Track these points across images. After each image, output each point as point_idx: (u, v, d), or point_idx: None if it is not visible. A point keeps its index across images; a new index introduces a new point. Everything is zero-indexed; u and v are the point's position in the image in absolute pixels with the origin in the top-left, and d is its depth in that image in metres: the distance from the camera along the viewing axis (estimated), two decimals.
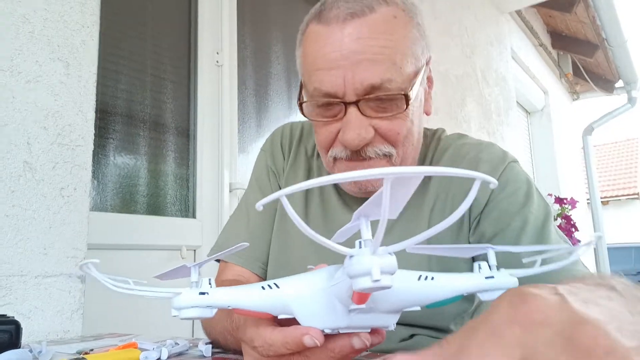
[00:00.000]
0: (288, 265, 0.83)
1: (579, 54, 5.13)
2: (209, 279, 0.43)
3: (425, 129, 0.87)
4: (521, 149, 4.30)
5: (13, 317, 0.71)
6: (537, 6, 4.21)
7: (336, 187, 0.85)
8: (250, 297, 0.43)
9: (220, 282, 0.82)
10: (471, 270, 0.56)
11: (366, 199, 0.72)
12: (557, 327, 0.28)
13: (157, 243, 1.53)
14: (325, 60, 0.69)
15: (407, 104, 0.69)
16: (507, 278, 0.45)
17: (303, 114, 0.74)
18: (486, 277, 0.45)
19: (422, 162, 0.82)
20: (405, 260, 0.73)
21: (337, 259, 0.78)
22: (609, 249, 5.08)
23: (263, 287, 0.43)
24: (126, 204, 1.50)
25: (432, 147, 0.84)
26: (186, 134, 1.72)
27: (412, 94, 0.70)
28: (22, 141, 1.00)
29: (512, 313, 0.30)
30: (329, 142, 0.73)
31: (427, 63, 0.75)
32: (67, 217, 1.06)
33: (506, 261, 0.53)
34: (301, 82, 0.77)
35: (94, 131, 1.14)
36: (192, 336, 1.55)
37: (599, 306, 0.30)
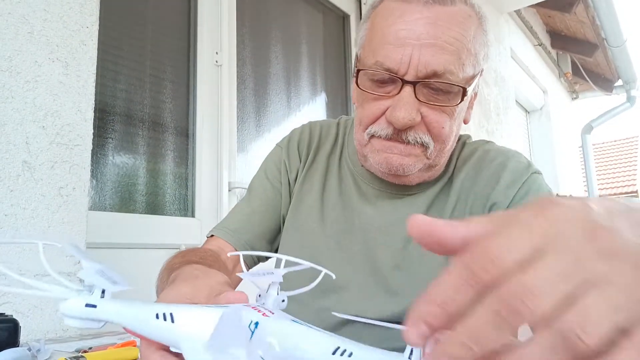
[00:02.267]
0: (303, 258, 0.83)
1: (578, 54, 5.13)
2: (103, 290, 0.39)
3: None
4: (520, 148, 4.31)
5: (11, 315, 0.71)
6: (537, 6, 4.21)
7: (354, 178, 0.85)
8: (142, 322, 0.39)
9: (200, 249, 0.83)
10: None
11: (387, 183, 0.69)
12: (580, 223, 0.27)
13: (156, 242, 1.54)
14: (396, 36, 0.69)
15: (462, 99, 0.70)
16: None
17: (357, 83, 0.74)
18: None
19: (448, 167, 0.83)
20: (425, 262, 0.74)
21: (349, 260, 0.78)
22: None
23: (157, 316, 0.38)
24: (125, 203, 1.51)
25: (456, 150, 0.85)
26: (185, 133, 1.73)
27: (468, 92, 0.71)
28: (21, 141, 1.01)
29: (539, 210, 0.29)
30: (374, 117, 0.73)
31: (481, 73, 0.76)
32: (65, 216, 1.06)
33: None
34: (357, 55, 0.77)
35: (92, 131, 1.14)
36: None
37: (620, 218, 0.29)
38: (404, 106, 0.69)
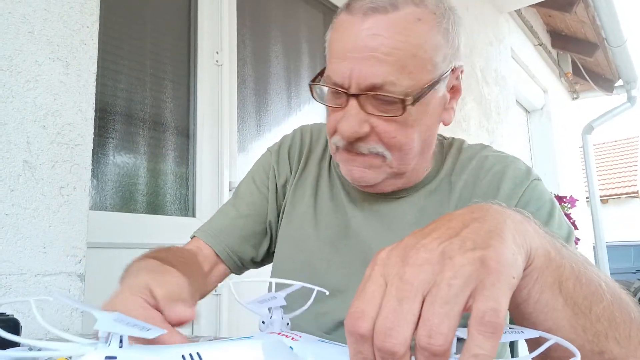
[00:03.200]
0: (297, 268, 0.84)
1: (579, 54, 5.13)
2: (121, 337, 0.36)
3: (443, 137, 0.87)
4: (521, 147, 4.31)
5: (12, 315, 0.71)
6: (537, 6, 4.21)
7: (342, 182, 0.86)
8: None
9: (177, 248, 0.86)
10: None
11: (374, 193, 0.72)
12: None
13: (156, 242, 1.53)
14: (341, 50, 0.70)
15: (403, 111, 0.68)
16: None
17: (313, 96, 0.76)
18: None
19: (438, 171, 0.82)
20: None
21: (345, 264, 0.78)
22: (608, 247, 5.08)
23: (184, 357, 0.37)
24: (126, 202, 1.51)
25: (451, 155, 0.83)
26: (186, 133, 1.73)
27: (421, 102, 0.69)
28: (21, 140, 1.01)
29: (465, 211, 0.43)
30: (332, 129, 0.74)
31: (453, 71, 0.74)
32: (66, 215, 1.06)
33: None
34: (324, 67, 0.77)
35: (93, 130, 1.14)
36: (192, 334, 1.56)
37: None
38: (348, 119, 0.70)
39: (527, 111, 5.09)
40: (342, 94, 0.70)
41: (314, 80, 0.75)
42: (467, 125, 3.11)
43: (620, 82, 5.48)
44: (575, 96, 6.02)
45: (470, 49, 3.33)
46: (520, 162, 0.80)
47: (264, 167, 0.94)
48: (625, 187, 12.25)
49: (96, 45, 1.17)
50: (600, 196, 6.04)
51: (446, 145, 0.85)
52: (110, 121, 1.49)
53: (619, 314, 0.46)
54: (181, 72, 1.74)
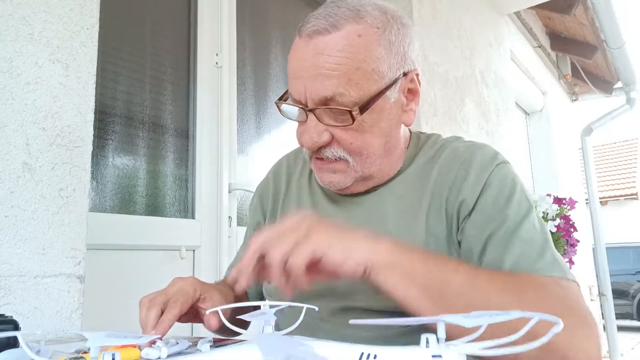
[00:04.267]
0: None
1: (578, 56, 5.13)
2: (113, 355, 0.40)
3: (420, 133, 0.93)
4: (520, 149, 4.31)
5: (11, 316, 0.71)
6: (536, 8, 4.22)
7: (322, 187, 0.93)
8: None
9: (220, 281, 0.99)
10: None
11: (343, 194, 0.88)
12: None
13: (156, 243, 1.54)
14: (293, 69, 0.79)
15: (353, 120, 0.75)
16: (455, 357, 0.41)
17: (280, 111, 0.83)
18: (433, 356, 0.41)
19: (410, 164, 0.88)
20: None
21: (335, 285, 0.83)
22: (607, 248, 5.08)
23: None
24: (125, 204, 1.51)
25: (425, 149, 0.89)
26: (185, 135, 1.73)
27: (373, 109, 0.76)
28: (21, 142, 1.01)
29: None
30: (299, 140, 0.82)
31: (406, 76, 0.79)
32: (66, 217, 1.07)
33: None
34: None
35: (93, 132, 1.14)
36: (192, 334, 1.56)
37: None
38: (308, 131, 0.78)
39: (526, 113, 5.09)
40: (301, 109, 0.78)
41: (280, 99, 0.83)
42: (466, 126, 3.12)
43: (619, 84, 5.48)
44: (574, 98, 6.02)
45: (470, 50, 3.34)
46: (487, 147, 0.85)
47: (255, 209, 1.05)
48: (624, 188, 12.25)
49: (96, 47, 1.17)
50: (600, 198, 6.04)
51: (422, 140, 0.91)
52: (109, 123, 1.49)
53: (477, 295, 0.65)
54: (181, 74, 1.74)
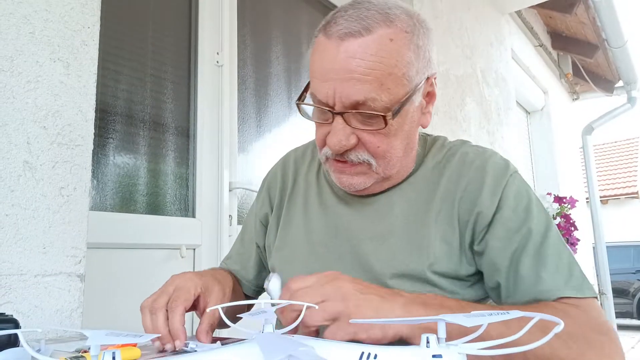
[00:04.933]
0: (295, 273, 0.89)
1: (579, 55, 5.13)
2: (113, 354, 0.40)
3: (426, 135, 0.93)
4: (521, 148, 4.31)
5: (12, 315, 0.72)
6: (538, 7, 4.21)
7: (331, 186, 0.93)
8: None
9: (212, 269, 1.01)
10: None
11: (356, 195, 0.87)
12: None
13: (156, 242, 1.54)
14: (321, 71, 0.76)
15: (386, 124, 0.75)
16: (455, 357, 0.42)
17: (300, 112, 0.82)
18: (433, 356, 0.42)
19: (422, 165, 0.88)
20: (402, 259, 0.77)
21: (338, 260, 0.84)
22: (608, 247, 5.08)
23: None
24: (126, 203, 1.51)
25: (433, 152, 0.89)
26: (186, 133, 1.73)
27: (400, 113, 0.76)
28: (22, 141, 1.01)
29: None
30: (321, 142, 0.81)
31: (428, 80, 0.80)
32: (66, 216, 1.07)
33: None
34: (308, 82, 0.83)
35: (93, 131, 1.14)
36: (192, 333, 1.56)
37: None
38: (336, 134, 0.76)
39: (527, 112, 5.09)
40: (328, 111, 0.76)
41: (299, 98, 0.81)
42: (467, 126, 3.11)
43: (620, 83, 5.48)
44: (575, 97, 6.02)
45: (471, 50, 3.33)
46: (497, 155, 0.86)
47: (261, 201, 1.04)
48: (625, 187, 12.24)
49: (97, 46, 1.17)
50: (600, 197, 6.04)
51: (429, 142, 0.91)
52: (110, 122, 1.49)
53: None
54: (181, 73, 1.74)
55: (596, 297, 0.75)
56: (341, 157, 0.79)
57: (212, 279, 0.84)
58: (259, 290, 1.04)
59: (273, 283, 0.75)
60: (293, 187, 0.98)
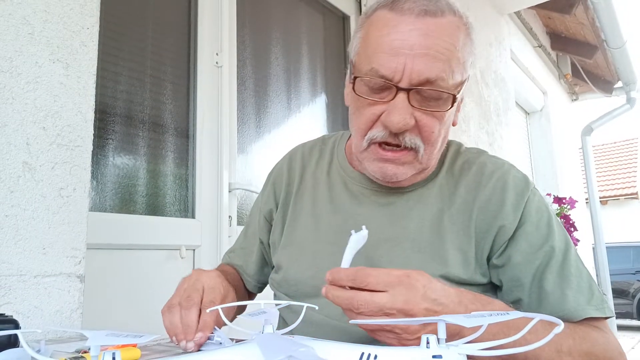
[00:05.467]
0: (301, 270, 0.89)
1: (578, 55, 5.13)
2: (113, 354, 0.41)
3: None
4: (520, 149, 4.31)
5: (12, 316, 0.71)
6: (537, 7, 4.21)
7: (344, 182, 0.91)
8: None
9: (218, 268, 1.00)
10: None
11: (378, 183, 0.86)
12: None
13: (156, 243, 1.54)
14: (391, 46, 0.73)
15: (452, 104, 0.75)
16: (455, 357, 0.43)
17: (354, 90, 0.78)
18: (433, 356, 0.43)
19: (440, 169, 0.87)
20: (416, 264, 0.77)
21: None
22: (607, 248, 5.08)
23: None
24: (125, 204, 1.51)
25: (449, 157, 0.89)
26: (186, 134, 1.73)
27: (457, 100, 0.76)
28: (21, 142, 1.01)
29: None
30: (370, 122, 0.78)
31: (467, 79, 0.80)
32: (66, 217, 1.07)
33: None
34: (352, 61, 0.81)
35: (93, 132, 1.14)
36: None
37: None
38: (399, 111, 0.73)
39: (526, 113, 5.09)
40: (390, 88, 0.74)
41: (355, 75, 0.78)
42: (466, 126, 3.11)
43: (619, 84, 5.48)
44: (574, 98, 6.02)
45: None
46: (515, 169, 0.86)
47: (266, 195, 1.02)
48: (624, 188, 12.24)
49: (96, 47, 1.17)
50: (600, 197, 6.04)
51: (446, 147, 0.90)
52: (110, 122, 1.49)
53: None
54: (181, 74, 1.74)
55: (613, 316, 0.76)
56: (393, 140, 0.76)
57: (230, 286, 0.83)
58: (260, 286, 1.03)
59: (361, 236, 0.69)
60: (300, 184, 0.96)
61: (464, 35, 0.76)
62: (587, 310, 0.73)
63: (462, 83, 0.77)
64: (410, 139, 0.76)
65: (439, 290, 0.62)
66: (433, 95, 0.74)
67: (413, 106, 0.74)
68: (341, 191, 0.90)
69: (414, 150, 0.77)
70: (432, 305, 0.59)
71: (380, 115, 0.76)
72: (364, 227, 0.68)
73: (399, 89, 0.73)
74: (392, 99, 0.74)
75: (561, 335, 0.61)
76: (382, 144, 0.78)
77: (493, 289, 0.83)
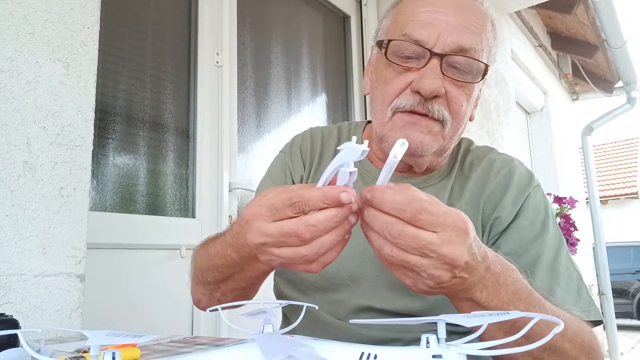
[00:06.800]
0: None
1: (579, 55, 5.13)
2: (113, 354, 0.40)
3: None
4: (521, 149, 4.31)
5: (12, 315, 0.71)
6: (537, 7, 4.21)
7: (361, 175, 0.88)
8: None
9: None
10: None
11: (393, 177, 0.81)
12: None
13: (156, 243, 1.54)
14: (425, 15, 0.76)
15: (484, 74, 0.76)
16: (455, 357, 0.42)
17: (386, 55, 0.77)
18: (433, 356, 0.43)
19: (451, 166, 0.88)
20: None
21: (358, 253, 0.82)
22: (607, 247, 5.08)
23: None
24: (126, 203, 1.51)
25: (461, 153, 0.90)
26: (186, 134, 1.73)
27: (485, 78, 0.78)
28: (21, 141, 1.01)
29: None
30: (399, 90, 0.77)
31: (487, 70, 0.80)
32: (66, 216, 1.07)
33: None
34: (380, 42, 0.81)
35: (93, 131, 1.14)
36: (192, 334, 1.56)
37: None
38: (431, 75, 0.74)
39: (527, 112, 5.09)
40: (424, 54, 0.75)
41: (389, 39, 0.78)
42: (467, 127, 3.11)
43: (620, 84, 5.48)
44: (575, 97, 6.02)
45: None
46: (522, 166, 0.87)
47: (280, 167, 0.97)
48: (624, 188, 12.24)
49: (97, 47, 1.17)
50: (600, 197, 6.04)
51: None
52: (110, 122, 1.49)
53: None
54: (181, 73, 1.74)
55: (602, 321, 0.75)
56: (422, 109, 0.75)
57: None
58: None
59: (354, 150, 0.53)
60: (319, 164, 0.93)
61: (490, 23, 0.80)
62: (572, 311, 0.72)
63: (485, 67, 0.78)
64: (438, 109, 0.75)
65: (479, 246, 0.57)
66: (465, 66, 0.75)
67: (445, 75, 0.74)
68: (357, 183, 0.88)
69: (440, 122, 0.77)
70: (471, 260, 0.54)
71: (410, 84, 0.76)
72: (364, 142, 0.55)
73: (432, 55, 0.74)
74: (424, 66, 0.74)
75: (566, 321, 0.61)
76: (409, 113, 0.77)
77: None
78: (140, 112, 1.58)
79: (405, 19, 0.77)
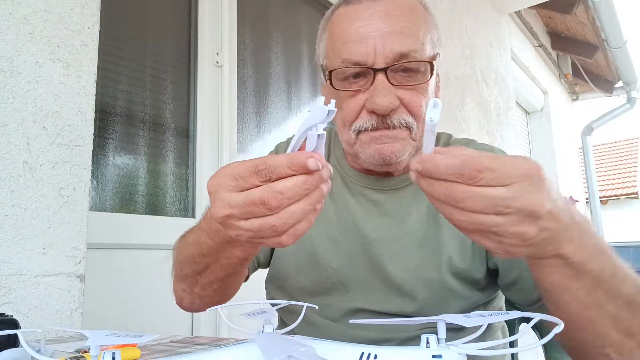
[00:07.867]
0: (300, 264, 0.86)
1: (579, 55, 5.13)
2: (113, 354, 0.40)
3: None
4: (520, 149, 4.31)
5: (12, 315, 0.72)
6: (537, 7, 4.22)
7: (343, 179, 0.89)
8: None
9: None
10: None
11: (374, 179, 0.78)
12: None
13: (156, 243, 1.54)
14: (356, 33, 0.75)
15: (432, 72, 0.76)
16: (455, 357, 0.42)
17: (332, 85, 0.78)
18: (433, 356, 0.42)
19: None
20: (416, 260, 0.76)
21: (347, 257, 0.82)
22: None
23: None
24: (126, 203, 1.51)
25: (439, 145, 0.88)
26: (186, 134, 1.73)
27: (434, 72, 0.77)
28: (21, 141, 1.01)
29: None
30: (355, 113, 0.77)
31: (438, 56, 0.81)
32: (66, 216, 1.07)
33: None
34: (323, 66, 0.83)
35: (93, 131, 1.14)
36: (192, 334, 1.56)
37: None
38: (381, 92, 0.73)
39: (527, 112, 5.09)
40: (367, 73, 0.75)
41: (327, 73, 0.79)
42: (466, 126, 3.11)
43: (620, 84, 5.48)
44: (575, 97, 6.02)
45: (471, 50, 3.33)
46: (504, 153, 0.85)
47: None
48: (624, 188, 12.25)
49: (96, 47, 1.17)
50: (600, 197, 6.04)
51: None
52: (110, 122, 1.49)
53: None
54: (181, 73, 1.74)
55: None
56: (382, 123, 0.75)
57: None
58: (255, 267, 0.97)
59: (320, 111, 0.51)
60: None
61: (421, 12, 0.79)
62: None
63: (433, 57, 0.78)
64: (399, 119, 0.75)
65: (558, 192, 0.54)
66: (411, 69, 0.75)
67: (394, 85, 0.74)
68: (341, 188, 0.88)
69: (406, 127, 0.76)
70: (554, 208, 0.51)
71: (364, 105, 0.76)
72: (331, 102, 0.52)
73: (376, 71, 0.74)
74: (372, 84, 0.74)
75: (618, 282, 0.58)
76: (373, 130, 0.76)
77: (492, 278, 0.82)
78: (140, 112, 1.58)
79: (339, 43, 0.77)
